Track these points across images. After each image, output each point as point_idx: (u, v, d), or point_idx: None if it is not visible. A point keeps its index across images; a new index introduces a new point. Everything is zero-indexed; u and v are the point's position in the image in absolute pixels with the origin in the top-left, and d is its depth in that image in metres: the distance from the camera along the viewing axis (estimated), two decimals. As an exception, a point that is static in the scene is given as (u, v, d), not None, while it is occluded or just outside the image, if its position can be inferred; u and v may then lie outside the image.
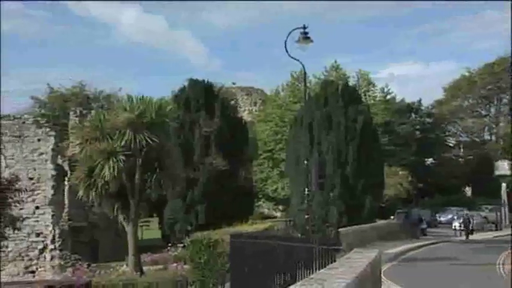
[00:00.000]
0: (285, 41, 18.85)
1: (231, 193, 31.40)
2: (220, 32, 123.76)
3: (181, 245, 27.06)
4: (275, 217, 40.63)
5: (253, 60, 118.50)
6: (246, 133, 35.47)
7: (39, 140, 29.46)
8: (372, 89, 48.76)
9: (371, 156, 30.34)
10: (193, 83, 33.81)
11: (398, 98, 55.76)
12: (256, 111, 46.66)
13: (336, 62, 46.78)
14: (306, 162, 22.04)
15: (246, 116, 43.53)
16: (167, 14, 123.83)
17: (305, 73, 22.74)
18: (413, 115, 61.63)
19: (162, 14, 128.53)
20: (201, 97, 33.05)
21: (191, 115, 32.59)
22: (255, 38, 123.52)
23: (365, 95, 44.68)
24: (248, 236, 15.02)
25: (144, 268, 23.12)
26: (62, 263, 28.05)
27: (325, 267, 8.15)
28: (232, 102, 40.17)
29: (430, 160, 63.21)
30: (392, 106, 51.88)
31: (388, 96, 52.26)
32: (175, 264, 23.62)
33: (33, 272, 28.70)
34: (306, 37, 18.77)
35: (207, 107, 32.91)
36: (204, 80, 34.22)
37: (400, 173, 43.04)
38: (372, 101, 45.78)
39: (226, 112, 34.14)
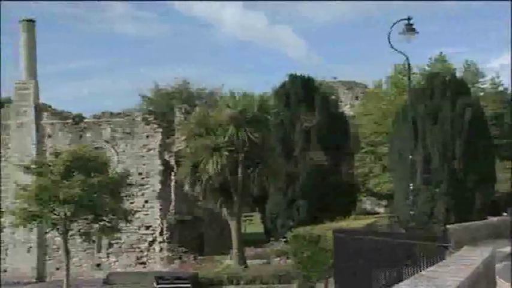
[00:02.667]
0: (389, 33, 18.38)
1: (333, 188, 31.09)
2: (321, 26, 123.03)
3: (284, 239, 27.20)
4: (378, 213, 39.80)
5: (354, 54, 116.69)
6: (347, 127, 34.94)
7: (147, 136, 30.77)
8: (481, 80, 46.36)
9: (480, 150, 28.89)
10: (293, 78, 33.79)
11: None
12: (358, 105, 45.93)
13: (441, 53, 44.95)
14: (410, 156, 21.40)
15: (347, 110, 42.93)
16: (267, 10, 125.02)
17: (409, 65, 22.05)
18: (527, 106, 57.88)
19: (262, 11, 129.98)
20: (301, 92, 32.96)
21: (291, 110, 32.61)
22: (356, 32, 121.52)
23: (473, 87, 42.58)
24: (351, 231, 14.83)
25: (248, 262, 23.52)
26: (170, 255, 29.17)
27: (433, 264, 7.86)
28: (333, 96, 39.75)
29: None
30: (504, 97, 49.01)
31: (500, 88, 49.41)
32: (278, 259, 23.83)
33: (143, 263, 30.07)
34: (410, 28, 18.18)
35: (307, 102, 32.76)
36: (304, 75, 34.12)
37: (513, 167, 40.60)
38: (482, 93, 43.54)
39: (327, 106, 33.82)
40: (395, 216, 27.51)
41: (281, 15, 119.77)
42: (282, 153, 26.97)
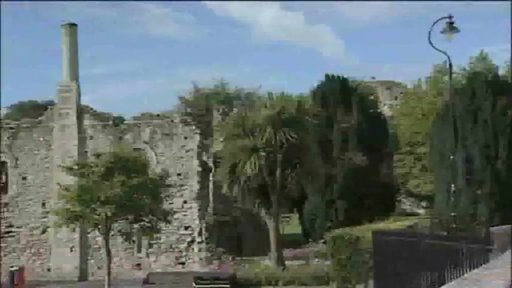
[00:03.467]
0: (429, 32, 18.08)
1: (371, 189, 30.81)
2: (359, 25, 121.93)
3: (322, 241, 27.07)
4: (417, 214, 39.21)
5: (392, 53, 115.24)
6: (386, 128, 34.59)
7: (186, 137, 31.07)
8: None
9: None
10: (331, 78, 33.63)
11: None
12: (397, 105, 45.38)
13: (482, 52, 44.00)
14: (451, 157, 21.00)
15: (386, 110, 42.47)
16: (305, 10, 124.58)
17: (450, 65, 21.64)
18: None
19: (300, 11, 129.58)
20: (339, 92, 32.78)
21: (329, 111, 32.45)
22: (394, 31, 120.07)
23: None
24: (391, 233, 14.65)
25: (286, 263, 23.48)
26: (209, 255, 29.36)
27: (476, 267, 7.70)
28: (372, 97, 39.39)
29: None
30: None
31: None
32: (316, 260, 23.72)
33: (182, 263, 30.35)
34: (451, 27, 17.84)
35: (345, 102, 32.57)
36: (341, 76, 33.93)
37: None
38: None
39: (365, 107, 33.56)
40: (436, 218, 27.05)
41: (318, 15, 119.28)
42: (319, 154, 26.81)
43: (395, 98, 47.79)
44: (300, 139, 22.51)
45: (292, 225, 42.78)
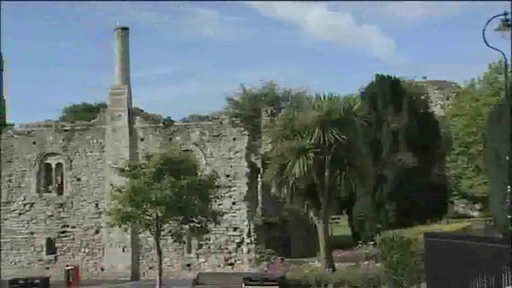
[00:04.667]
0: (483, 30, 17.56)
1: (423, 190, 30.23)
2: (409, 25, 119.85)
3: (372, 242, 26.71)
4: (471, 216, 38.21)
5: (444, 53, 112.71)
6: (438, 128, 33.89)
7: (234, 139, 31.25)
8: None
9: None
10: (380, 78, 33.18)
11: None
12: (449, 105, 44.36)
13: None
14: (507, 158, 20.34)
15: (438, 110, 41.58)
16: (353, 10, 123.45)
17: (506, 63, 20.97)
18: None
19: (348, 11, 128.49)
20: (388, 93, 32.31)
21: (378, 111, 32.03)
22: (445, 30, 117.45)
23: None
24: (444, 235, 14.31)
25: (335, 264, 23.29)
26: (258, 256, 29.41)
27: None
28: (423, 97, 38.66)
29: None
30: None
31: None
32: (366, 262, 23.41)
33: (232, 264, 30.53)
34: (506, 24, 17.26)
35: (395, 103, 32.08)
36: (391, 76, 33.43)
37: None
38: None
39: (415, 107, 32.98)
40: (492, 220, 26.28)
41: (367, 15, 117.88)
42: (369, 155, 26.49)
43: (448, 98, 46.73)
44: (348, 140, 22.26)
45: (342, 227, 42.41)
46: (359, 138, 24.44)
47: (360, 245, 28.01)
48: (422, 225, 22.95)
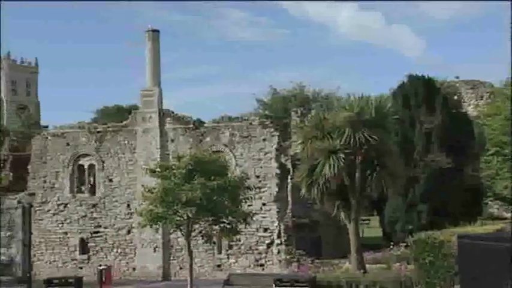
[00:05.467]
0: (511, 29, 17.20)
1: (456, 191, 29.81)
2: (440, 24, 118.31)
3: (404, 244, 26.41)
4: (505, 218, 37.46)
5: (475, 52, 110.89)
6: (471, 128, 33.37)
7: (264, 140, 31.26)
8: None
9: None
10: (413, 78, 32.85)
11: None
12: (483, 105, 43.60)
13: None
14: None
15: (471, 110, 40.91)
16: (383, 10, 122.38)
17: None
18: None
19: (378, 11, 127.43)
20: (421, 92, 31.97)
21: (411, 111, 31.71)
22: (477, 30, 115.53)
23: None
24: (478, 237, 14.05)
25: (366, 266, 23.08)
26: (288, 257, 29.36)
27: None
28: (456, 97, 38.11)
29: None
30: None
31: None
32: (398, 264, 23.16)
33: (262, 265, 30.53)
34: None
35: (428, 103, 31.72)
36: (424, 75, 33.05)
37: None
38: None
39: (449, 107, 32.56)
40: (527, 222, 25.76)
41: (398, 15, 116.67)
42: (401, 156, 26.20)
43: (481, 98, 45.93)
44: (380, 140, 22.03)
45: (373, 228, 42.04)
46: (391, 139, 24.19)
47: (391, 247, 27.74)
48: (455, 226, 22.63)
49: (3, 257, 34.01)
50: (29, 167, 33.88)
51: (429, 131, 31.12)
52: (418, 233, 21.52)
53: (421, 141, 31.05)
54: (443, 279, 18.20)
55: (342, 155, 21.55)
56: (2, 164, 24.20)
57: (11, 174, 24.35)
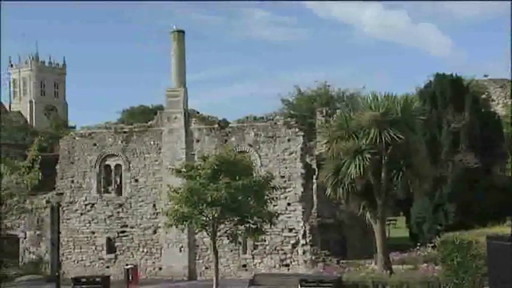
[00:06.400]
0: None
1: (484, 192, 29.37)
2: (468, 22, 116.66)
3: (431, 245, 26.13)
4: (536, 219, 36.79)
5: (504, 51, 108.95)
6: (500, 127, 32.84)
7: (289, 140, 31.20)
8: None
9: None
10: (440, 77, 32.45)
11: None
12: (512, 104, 42.92)
13: None
14: None
15: (500, 109, 40.27)
16: (409, 8, 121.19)
17: None
18: None
19: (404, 9, 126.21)
20: (449, 91, 31.58)
21: (438, 111, 31.35)
22: (505, 28, 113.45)
23: None
24: (508, 238, 13.80)
25: (393, 267, 22.88)
26: (313, 258, 29.25)
27: None
28: (484, 95, 37.55)
29: None
30: None
31: None
32: (425, 265, 22.92)
33: (287, 265, 30.47)
34: None
35: (455, 102, 31.31)
36: (451, 74, 32.63)
37: None
38: None
39: (477, 106, 32.08)
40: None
41: (424, 13, 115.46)
42: (427, 156, 25.91)
43: (511, 97, 45.16)
44: (406, 140, 21.82)
45: (399, 229, 41.64)
46: (417, 138, 23.93)
47: (418, 247, 27.45)
48: (483, 227, 22.29)
49: (32, 256, 34.58)
50: (57, 167, 34.36)
51: (457, 130, 30.73)
52: (446, 233, 21.27)
53: (448, 141, 30.68)
54: (472, 281, 17.93)
55: (368, 155, 21.40)
56: (32, 165, 24.62)
57: (41, 174, 24.76)
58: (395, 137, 21.25)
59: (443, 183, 29.90)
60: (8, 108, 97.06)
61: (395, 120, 21.73)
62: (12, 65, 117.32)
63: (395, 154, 21.95)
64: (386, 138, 21.33)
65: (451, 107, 31.23)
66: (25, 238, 34.77)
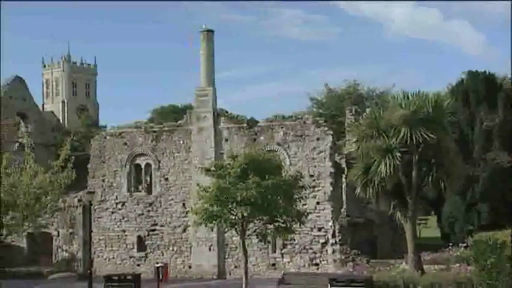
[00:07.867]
0: None
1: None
2: (500, 20, 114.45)
3: (463, 245, 25.76)
4: None
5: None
6: (535, 126, 32.17)
7: (318, 138, 31.06)
8: None
9: None
10: (473, 74, 31.95)
11: None
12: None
13: None
14: None
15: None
16: (441, 5, 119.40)
17: None
18: None
19: (436, 7, 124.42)
20: (482, 89, 31.07)
21: (470, 109, 30.87)
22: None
23: None
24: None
25: (424, 267, 22.61)
26: (343, 257, 29.08)
27: None
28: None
29: None
30: None
31: None
32: (457, 265, 22.60)
33: (317, 264, 30.37)
34: None
35: (488, 100, 30.79)
36: (484, 71, 32.08)
37: None
38: None
39: (510, 104, 31.49)
40: None
41: (455, 10, 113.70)
42: (459, 154, 25.55)
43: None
44: (437, 138, 21.52)
45: (430, 228, 41.14)
46: (449, 137, 23.59)
47: (450, 247, 27.08)
48: (517, 227, 21.83)
49: (65, 254, 35.17)
50: (88, 166, 34.85)
51: (489, 128, 30.22)
52: (479, 233, 20.92)
53: (480, 140, 30.20)
54: (506, 282, 17.60)
55: (398, 154, 21.17)
56: (65, 164, 25.08)
57: (73, 173, 25.24)
58: (426, 135, 20.98)
59: (475, 183, 29.45)
60: (41, 108, 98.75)
61: (426, 119, 21.44)
62: (45, 66, 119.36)
63: (426, 153, 21.68)
64: (417, 137, 21.07)
65: (484, 105, 30.73)
66: (58, 236, 35.39)
